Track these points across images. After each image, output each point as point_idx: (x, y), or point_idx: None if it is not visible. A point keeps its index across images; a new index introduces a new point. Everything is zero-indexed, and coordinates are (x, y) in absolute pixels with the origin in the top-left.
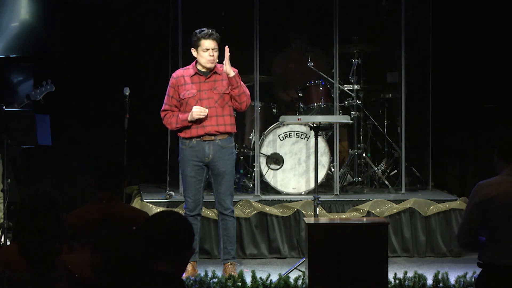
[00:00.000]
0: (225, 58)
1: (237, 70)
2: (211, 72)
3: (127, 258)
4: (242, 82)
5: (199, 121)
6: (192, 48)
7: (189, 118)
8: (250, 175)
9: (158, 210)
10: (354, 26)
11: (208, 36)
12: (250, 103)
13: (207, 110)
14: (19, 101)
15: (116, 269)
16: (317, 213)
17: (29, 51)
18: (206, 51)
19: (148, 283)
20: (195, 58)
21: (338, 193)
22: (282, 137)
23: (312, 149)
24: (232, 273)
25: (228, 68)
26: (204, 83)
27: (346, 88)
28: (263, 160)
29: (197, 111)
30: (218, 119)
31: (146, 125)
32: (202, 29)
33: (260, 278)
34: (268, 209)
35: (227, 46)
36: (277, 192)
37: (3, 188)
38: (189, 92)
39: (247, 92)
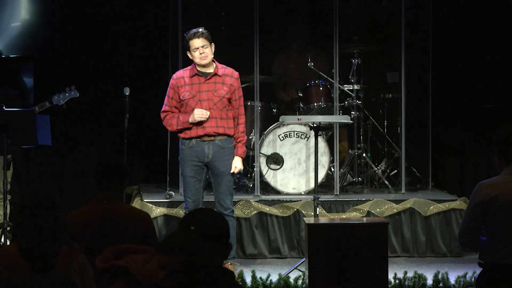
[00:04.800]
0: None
1: (240, 164)
2: (211, 73)
3: (195, 257)
4: (243, 135)
5: (199, 122)
6: (187, 52)
7: (190, 120)
8: (250, 175)
9: (199, 209)
10: (354, 26)
11: (194, 35)
12: (251, 104)
13: (208, 113)
14: (39, 104)
15: (188, 269)
16: (317, 213)
17: (29, 51)
18: (196, 50)
19: (212, 279)
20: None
21: (338, 193)
22: (282, 137)
23: (312, 149)
24: None
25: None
26: (204, 84)
27: (346, 88)
28: (263, 160)
29: (199, 114)
30: (217, 121)
31: (146, 125)
32: (190, 30)
33: (260, 278)
34: (268, 209)
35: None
36: (277, 192)
37: (3, 188)
38: (189, 93)
39: (244, 129)
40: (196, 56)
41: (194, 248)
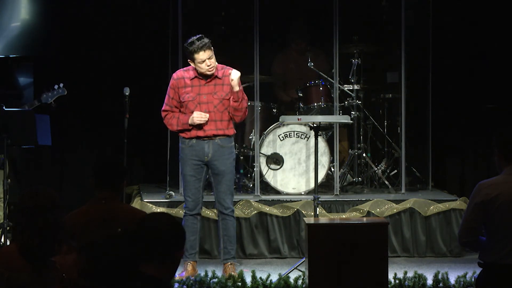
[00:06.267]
0: (234, 78)
1: (242, 88)
2: (211, 76)
3: (112, 260)
4: (245, 97)
5: (199, 124)
6: (189, 60)
7: (189, 122)
8: (250, 175)
9: (152, 213)
10: (354, 26)
11: (200, 49)
12: (251, 104)
13: (207, 116)
14: (29, 103)
15: (100, 270)
16: (317, 213)
17: (29, 51)
18: (202, 63)
19: (133, 286)
20: None
21: (338, 193)
22: (282, 137)
23: (312, 149)
24: (232, 273)
25: (235, 83)
26: (204, 86)
27: (346, 88)
28: (263, 160)
29: (198, 117)
30: (217, 124)
31: (146, 125)
32: (192, 41)
33: (260, 278)
34: (268, 209)
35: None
36: (277, 192)
37: (3, 188)
38: (189, 95)
39: (245, 106)
40: (203, 67)
41: (111, 250)
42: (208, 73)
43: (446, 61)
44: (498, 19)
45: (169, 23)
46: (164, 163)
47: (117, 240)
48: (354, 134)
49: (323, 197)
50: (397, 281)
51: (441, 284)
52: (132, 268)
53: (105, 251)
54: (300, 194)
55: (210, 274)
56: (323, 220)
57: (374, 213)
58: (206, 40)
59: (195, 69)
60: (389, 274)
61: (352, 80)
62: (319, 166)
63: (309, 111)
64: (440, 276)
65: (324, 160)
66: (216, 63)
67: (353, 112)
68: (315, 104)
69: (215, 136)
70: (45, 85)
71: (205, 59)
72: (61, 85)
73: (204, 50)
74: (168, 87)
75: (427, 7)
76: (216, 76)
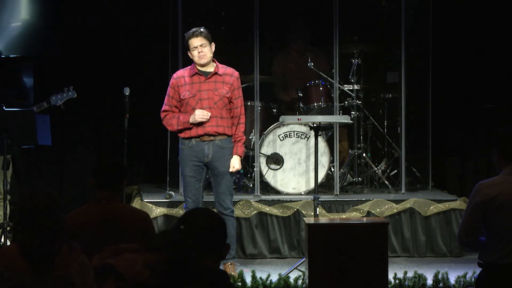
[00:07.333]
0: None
1: (239, 164)
2: (211, 72)
3: (183, 256)
4: (242, 135)
5: (200, 122)
6: (188, 52)
7: (190, 120)
8: (250, 175)
9: (196, 208)
10: (354, 26)
11: (193, 34)
12: (251, 104)
13: (209, 114)
14: (38, 104)
15: (173, 268)
16: (317, 213)
17: (29, 51)
18: (195, 49)
19: (201, 279)
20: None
21: (338, 193)
22: (282, 137)
23: (312, 149)
24: (232, 273)
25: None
26: (204, 83)
27: (346, 88)
28: (263, 160)
29: (200, 115)
30: (217, 120)
31: (146, 125)
32: (190, 30)
33: (260, 278)
34: (268, 209)
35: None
36: (277, 192)
37: (3, 188)
38: (189, 92)
39: (243, 130)
40: (194, 55)
41: (180, 247)
42: (200, 61)
43: (446, 61)
44: (498, 19)
45: (169, 23)
46: (164, 163)
47: (182, 238)
48: (354, 134)
49: (323, 197)
50: (397, 281)
51: (441, 284)
52: (197, 263)
53: (182, 249)
54: (300, 194)
55: None
56: (323, 220)
57: (374, 213)
58: (202, 28)
59: (195, 66)
60: (389, 274)
61: (352, 80)
62: (319, 166)
63: (309, 111)
64: (440, 276)
65: (324, 160)
66: (211, 55)
67: (353, 112)
68: (315, 104)
69: (215, 133)
70: (45, 85)
71: (197, 46)
72: (71, 87)
73: (197, 36)
74: (168, 87)
75: (427, 7)
76: (216, 73)
